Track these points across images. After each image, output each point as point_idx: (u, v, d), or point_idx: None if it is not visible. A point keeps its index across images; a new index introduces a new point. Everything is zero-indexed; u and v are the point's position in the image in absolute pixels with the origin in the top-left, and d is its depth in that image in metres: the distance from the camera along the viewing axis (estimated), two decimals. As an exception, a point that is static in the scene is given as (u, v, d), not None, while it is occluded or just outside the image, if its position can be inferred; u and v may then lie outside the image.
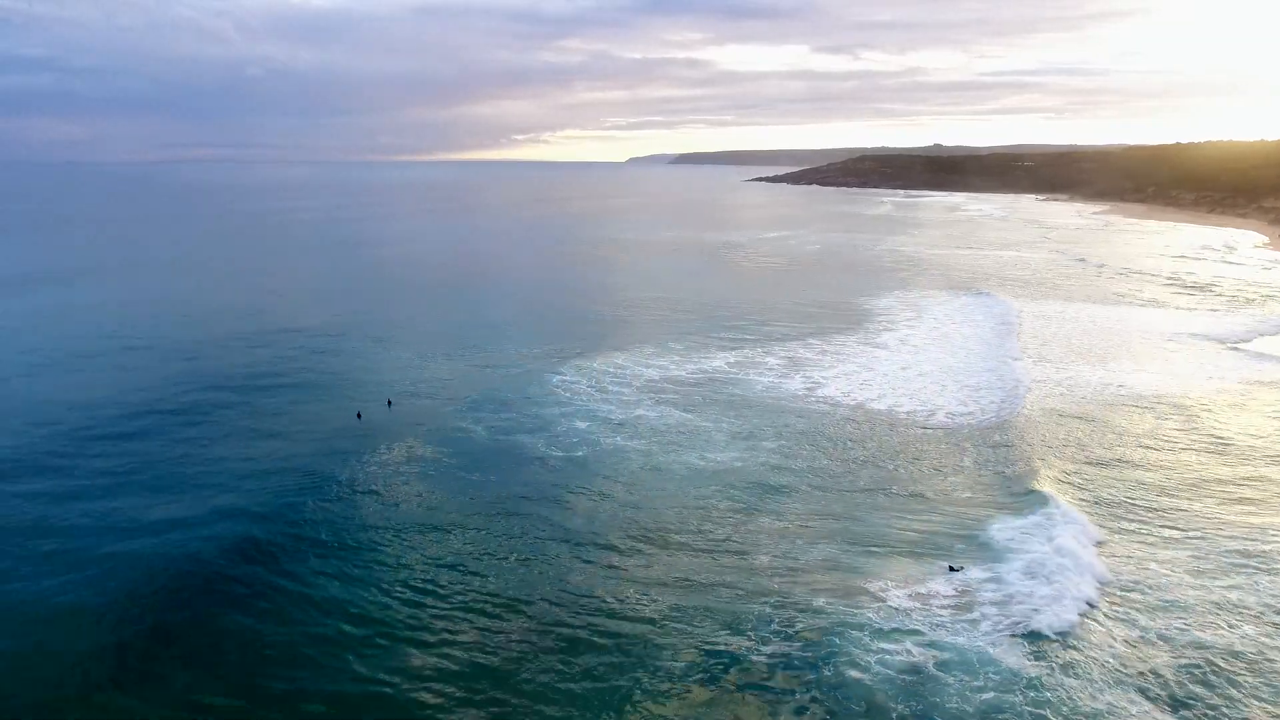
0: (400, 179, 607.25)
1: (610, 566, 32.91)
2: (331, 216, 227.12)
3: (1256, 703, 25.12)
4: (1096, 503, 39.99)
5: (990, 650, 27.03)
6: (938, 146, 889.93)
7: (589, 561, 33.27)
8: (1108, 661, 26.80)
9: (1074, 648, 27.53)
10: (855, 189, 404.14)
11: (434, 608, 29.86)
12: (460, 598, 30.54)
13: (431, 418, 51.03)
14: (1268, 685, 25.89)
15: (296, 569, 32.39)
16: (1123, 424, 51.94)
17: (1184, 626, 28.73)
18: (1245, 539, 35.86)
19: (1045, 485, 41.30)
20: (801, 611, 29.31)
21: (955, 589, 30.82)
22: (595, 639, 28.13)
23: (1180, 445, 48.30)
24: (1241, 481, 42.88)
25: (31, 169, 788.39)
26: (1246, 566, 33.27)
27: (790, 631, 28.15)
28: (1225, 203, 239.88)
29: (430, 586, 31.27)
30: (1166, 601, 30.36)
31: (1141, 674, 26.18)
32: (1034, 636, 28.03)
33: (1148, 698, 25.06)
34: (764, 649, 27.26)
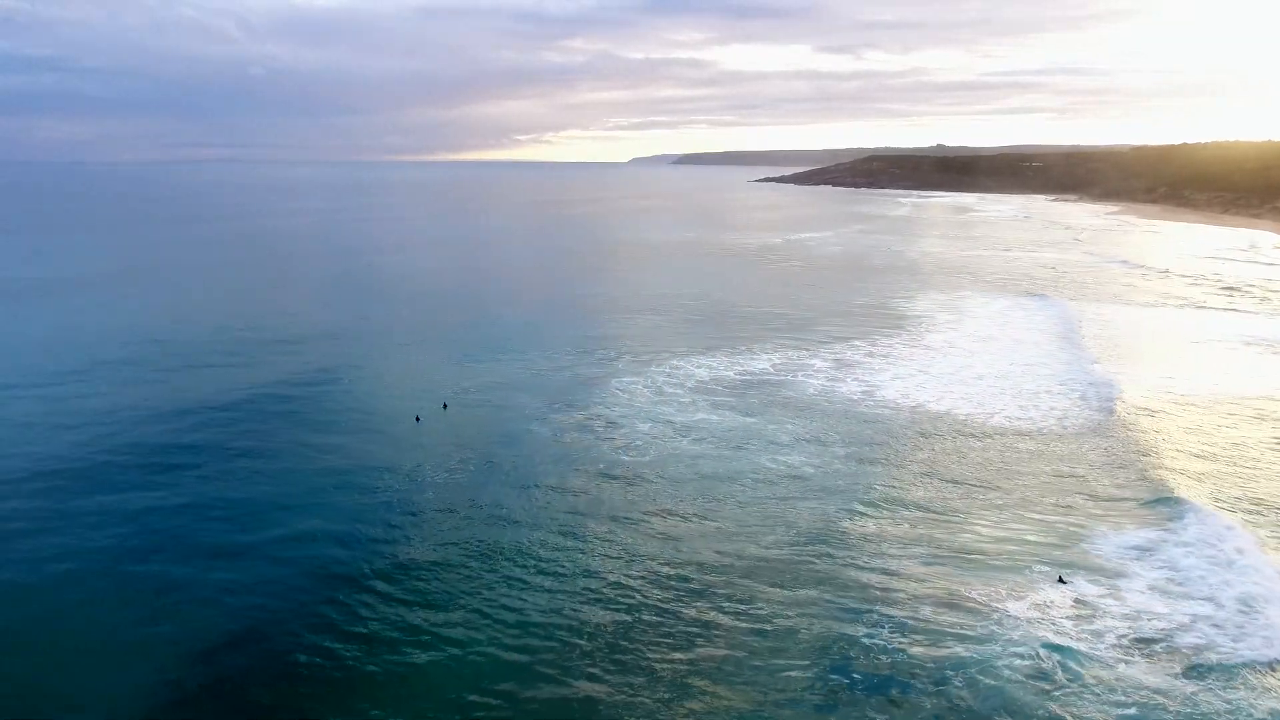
0: (406, 179, 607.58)
1: (705, 576, 32.17)
2: (352, 217, 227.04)
3: None
4: (1238, 509, 38.19)
5: (1126, 664, 26.30)
6: (941, 147, 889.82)
7: (684, 576, 32.28)
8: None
9: (1240, 667, 26.20)
10: (864, 189, 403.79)
11: (522, 628, 28.96)
12: (552, 617, 29.63)
13: (490, 421, 50.64)
14: None
15: (379, 590, 31.61)
16: (1233, 426, 50.35)
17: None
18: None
19: (1181, 490, 39.79)
20: (913, 620, 28.83)
21: (1074, 600, 30.04)
22: (701, 654, 27.37)
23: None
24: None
25: (36, 169, 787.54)
26: None
27: (906, 641, 27.59)
28: (1238, 203, 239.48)
29: (516, 604, 30.34)
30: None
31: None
32: (1172, 649, 26.95)
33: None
34: (883, 658, 26.71)
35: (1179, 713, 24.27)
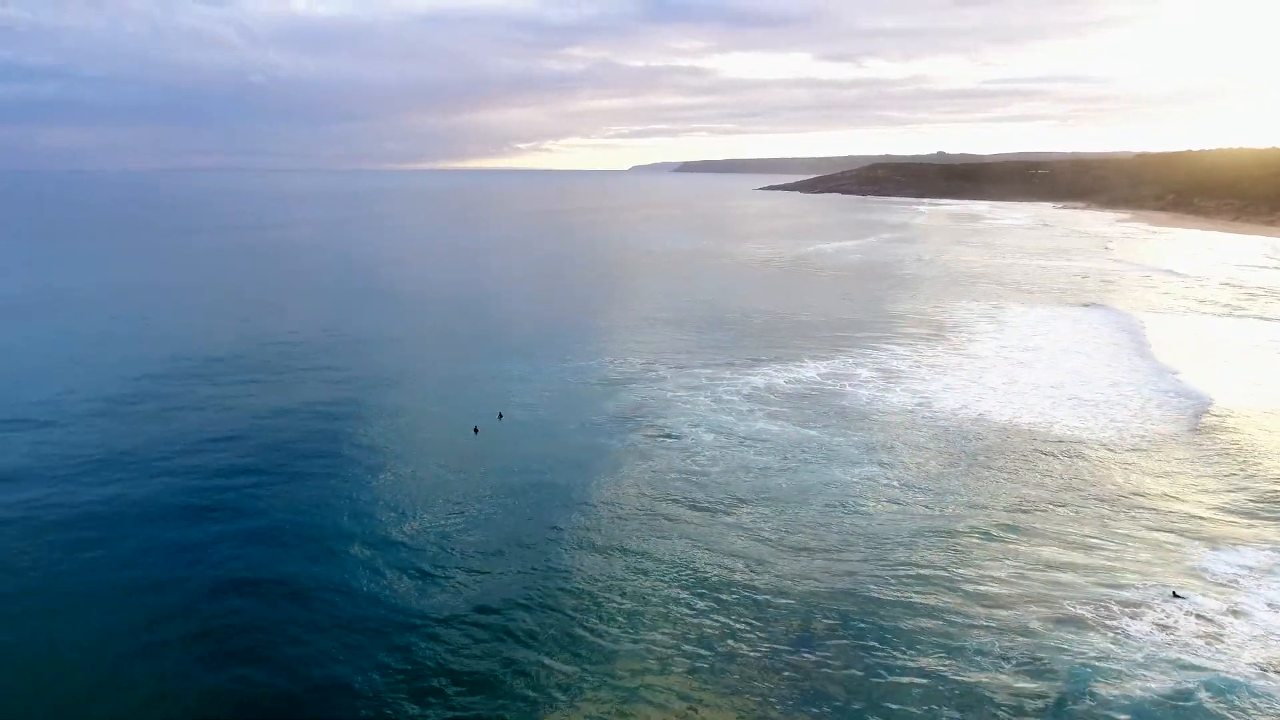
0: (407, 187, 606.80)
1: (795, 599, 31.34)
2: (361, 228, 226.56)
3: None
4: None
5: (1261, 681, 25.67)
6: (942, 154, 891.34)
7: (776, 599, 31.49)
8: None
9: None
10: (870, 197, 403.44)
11: (623, 645, 28.49)
12: (647, 635, 29.13)
13: (550, 431, 49.90)
14: None
15: (474, 601, 31.12)
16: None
17: None
18: None
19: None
20: (1026, 639, 28.04)
21: (1195, 616, 29.36)
22: (814, 672, 26.68)
23: None
24: None
25: (36, 178, 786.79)
26: None
27: (1026, 662, 26.80)
28: (1248, 211, 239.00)
29: (612, 622, 29.77)
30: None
31: None
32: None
33: None
34: (1005, 679, 25.92)
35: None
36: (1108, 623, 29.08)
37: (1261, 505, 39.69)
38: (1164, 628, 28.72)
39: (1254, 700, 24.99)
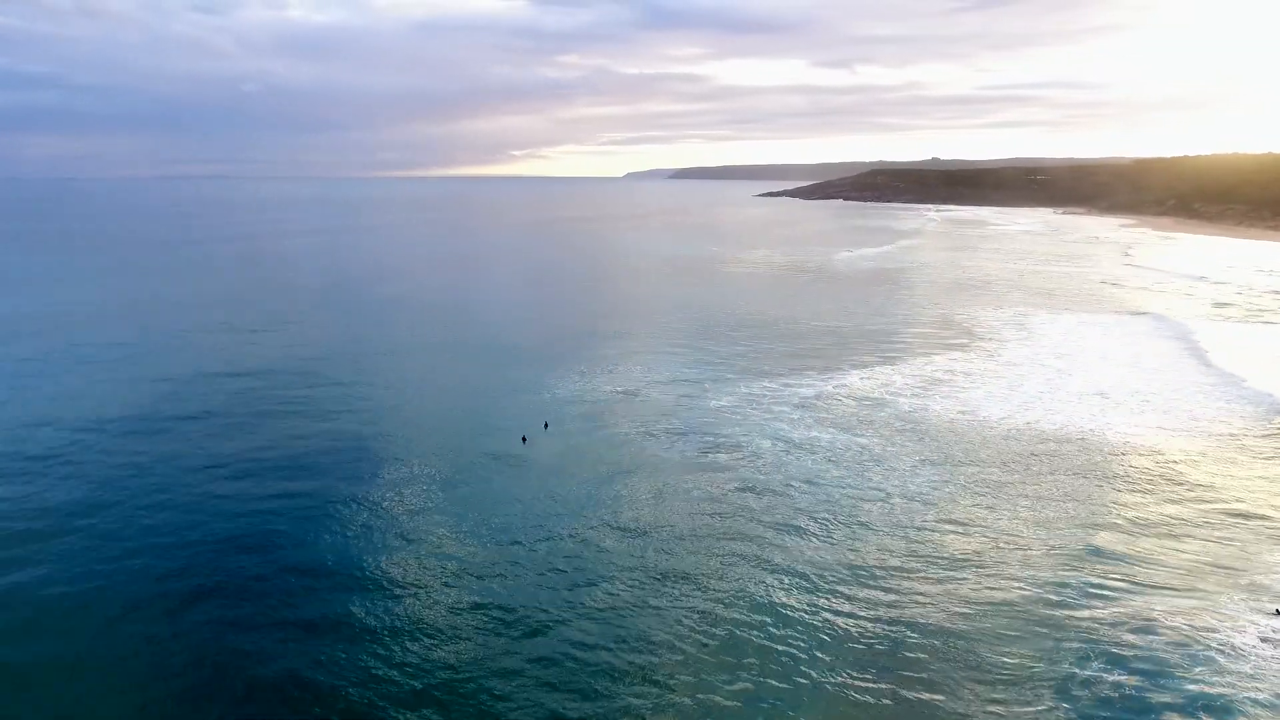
0: (404, 195, 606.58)
1: (887, 617, 30.84)
2: (364, 238, 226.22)
3: None
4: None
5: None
6: (936, 160, 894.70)
7: (854, 618, 31.09)
8: None
9: None
10: (871, 203, 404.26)
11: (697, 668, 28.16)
12: (716, 652, 28.88)
13: (600, 439, 49.52)
14: None
15: (531, 618, 30.86)
16: None
17: None
18: None
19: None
20: (1122, 652, 27.64)
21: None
22: (896, 709, 26.35)
23: None
24: None
25: (27, 186, 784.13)
26: None
27: (1126, 676, 26.53)
28: (1251, 216, 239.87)
29: (672, 646, 29.35)
30: None
31: None
32: None
33: None
34: (1109, 695, 25.66)
35: None
36: (1203, 638, 28.78)
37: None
38: (1270, 641, 28.42)
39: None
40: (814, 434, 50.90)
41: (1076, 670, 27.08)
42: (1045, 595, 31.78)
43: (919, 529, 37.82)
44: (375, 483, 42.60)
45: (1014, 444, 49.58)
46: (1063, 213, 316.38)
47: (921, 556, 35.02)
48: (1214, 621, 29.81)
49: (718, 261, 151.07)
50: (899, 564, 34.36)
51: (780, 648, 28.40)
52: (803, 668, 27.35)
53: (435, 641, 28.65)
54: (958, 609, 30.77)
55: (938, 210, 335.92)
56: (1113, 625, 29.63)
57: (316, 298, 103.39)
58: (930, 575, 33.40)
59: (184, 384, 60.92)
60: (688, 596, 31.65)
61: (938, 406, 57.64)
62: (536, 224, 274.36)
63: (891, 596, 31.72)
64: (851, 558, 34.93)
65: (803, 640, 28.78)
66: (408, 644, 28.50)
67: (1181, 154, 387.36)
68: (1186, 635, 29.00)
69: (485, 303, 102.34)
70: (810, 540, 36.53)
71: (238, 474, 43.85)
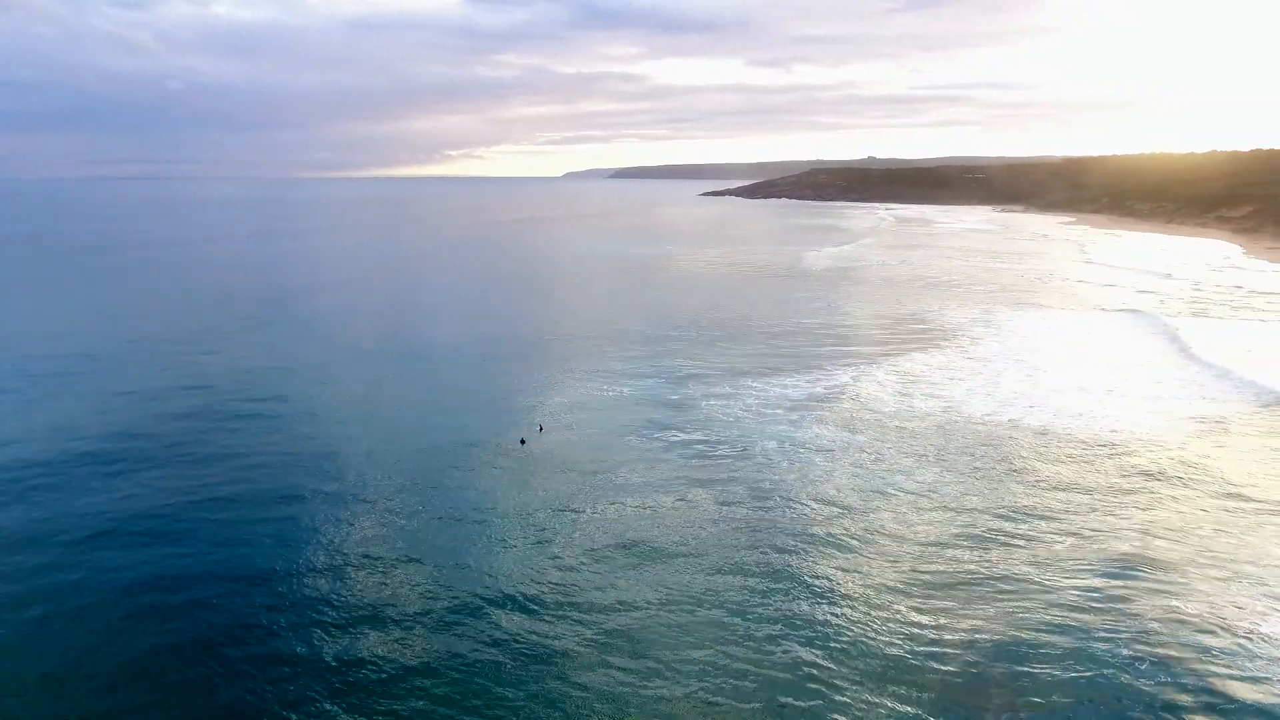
0: (340, 196, 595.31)
1: (926, 636, 31.13)
2: (315, 241, 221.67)
3: None
4: None
5: None
6: (872, 159, 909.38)
7: (868, 606, 31.29)
8: None
9: None
10: (813, 202, 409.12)
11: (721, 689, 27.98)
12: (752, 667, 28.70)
13: (599, 441, 48.95)
14: None
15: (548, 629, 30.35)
16: None
17: None
18: None
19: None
20: (1172, 651, 28.03)
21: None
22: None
23: None
24: None
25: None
26: None
27: (1150, 665, 27.12)
28: (1181, 213, 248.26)
29: (719, 661, 29.04)
30: None
31: None
32: None
33: None
34: (1137, 684, 26.16)
35: None
36: (1235, 625, 29.41)
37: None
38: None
39: None
40: (811, 433, 50.99)
41: (1127, 678, 27.38)
42: (1048, 584, 32.23)
43: (925, 527, 38.07)
44: (309, 509, 41.46)
45: (1013, 441, 50.14)
46: (1002, 210, 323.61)
47: (928, 555, 35.24)
48: (1236, 610, 30.46)
49: (679, 263, 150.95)
50: (907, 563, 34.56)
51: (805, 656, 28.26)
52: (824, 678, 27.21)
53: (440, 655, 27.92)
54: (989, 609, 31.00)
55: (886, 209, 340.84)
56: (1135, 614, 30.12)
57: (250, 308, 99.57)
58: (934, 576, 33.61)
59: (140, 400, 58.71)
60: (702, 607, 31.35)
61: (921, 404, 57.98)
62: (481, 225, 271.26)
63: (918, 610, 31.79)
64: (858, 558, 34.99)
65: (824, 651, 28.60)
66: (403, 663, 27.69)
67: (1110, 153, 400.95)
68: (1207, 618, 29.64)
69: (443, 309, 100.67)
70: (817, 540, 36.52)
71: (195, 501, 42.24)
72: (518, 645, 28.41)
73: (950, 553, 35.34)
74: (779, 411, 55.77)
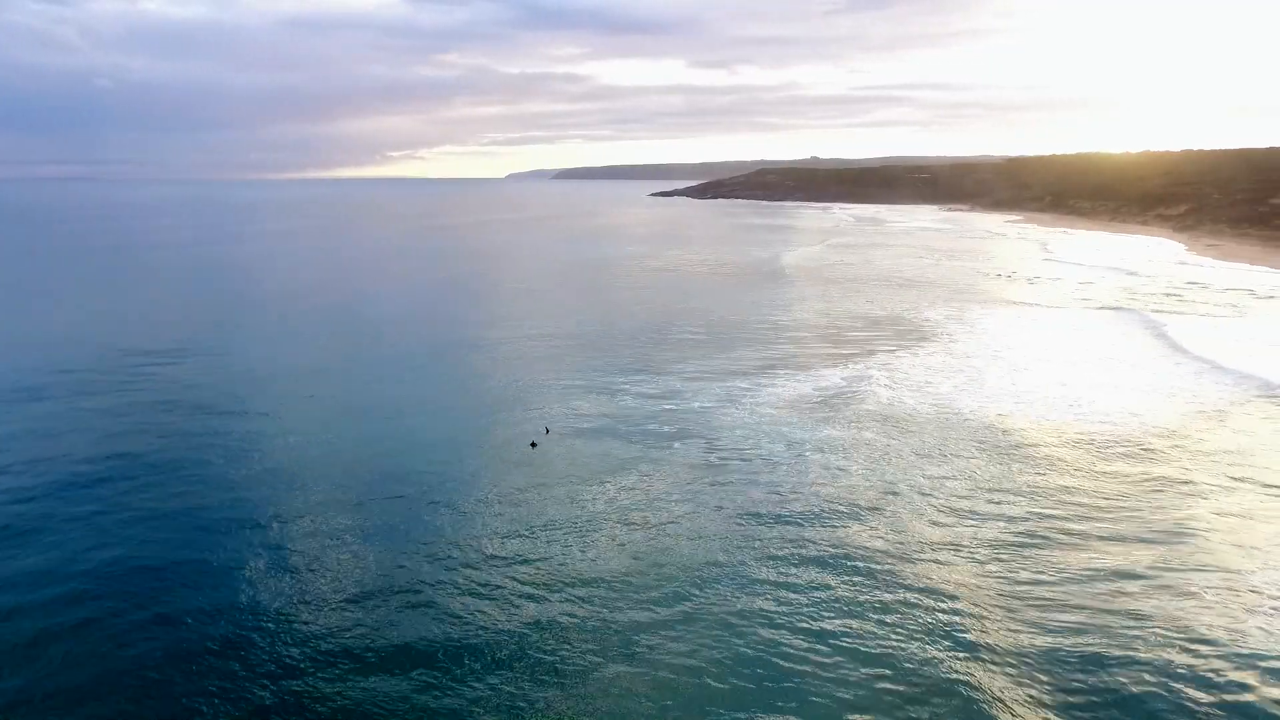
0: (281, 198, 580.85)
1: (938, 628, 31.33)
2: (268, 245, 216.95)
3: None
4: None
5: None
6: (815, 159, 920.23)
7: (931, 620, 31.47)
8: None
9: None
10: (764, 201, 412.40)
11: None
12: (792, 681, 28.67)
13: (609, 444, 48.48)
14: None
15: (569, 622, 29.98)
16: None
17: None
18: None
19: None
20: (1215, 669, 27.99)
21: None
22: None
23: None
24: None
25: None
26: None
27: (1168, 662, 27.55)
28: (1123, 211, 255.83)
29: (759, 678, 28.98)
30: None
31: None
32: None
33: None
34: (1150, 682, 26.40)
35: None
36: (1249, 617, 30.03)
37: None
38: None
39: None
40: (808, 432, 51.09)
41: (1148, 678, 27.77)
42: (1064, 585, 32.55)
43: (932, 527, 38.29)
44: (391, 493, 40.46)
45: (998, 434, 50.79)
46: (948, 209, 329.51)
47: (949, 554, 35.49)
48: (1243, 600, 31.12)
49: (645, 265, 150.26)
50: (918, 556, 34.75)
51: (825, 661, 28.09)
52: (849, 691, 27.08)
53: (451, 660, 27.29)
54: (1029, 621, 31.18)
55: (841, 208, 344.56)
56: (1174, 614, 30.58)
57: (196, 316, 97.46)
58: (941, 573, 33.84)
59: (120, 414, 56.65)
60: (711, 609, 31.15)
61: (912, 400, 58.51)
62: (431, 230, 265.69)
63: (949, 623, 31.90)
64: (866, 560, 35.02)
65: (847, 661, 28.36)
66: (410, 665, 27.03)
67: (1049, 153, 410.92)
68: (1215, 608, 30.21)
69: (411, 316, 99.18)
70: (828, 541, 36.45)
71: (191, 507, 40.93)
72: (538, 650, 27.88)
73: (968, 551, 35.57)
74: (779, 411, 55.78)
